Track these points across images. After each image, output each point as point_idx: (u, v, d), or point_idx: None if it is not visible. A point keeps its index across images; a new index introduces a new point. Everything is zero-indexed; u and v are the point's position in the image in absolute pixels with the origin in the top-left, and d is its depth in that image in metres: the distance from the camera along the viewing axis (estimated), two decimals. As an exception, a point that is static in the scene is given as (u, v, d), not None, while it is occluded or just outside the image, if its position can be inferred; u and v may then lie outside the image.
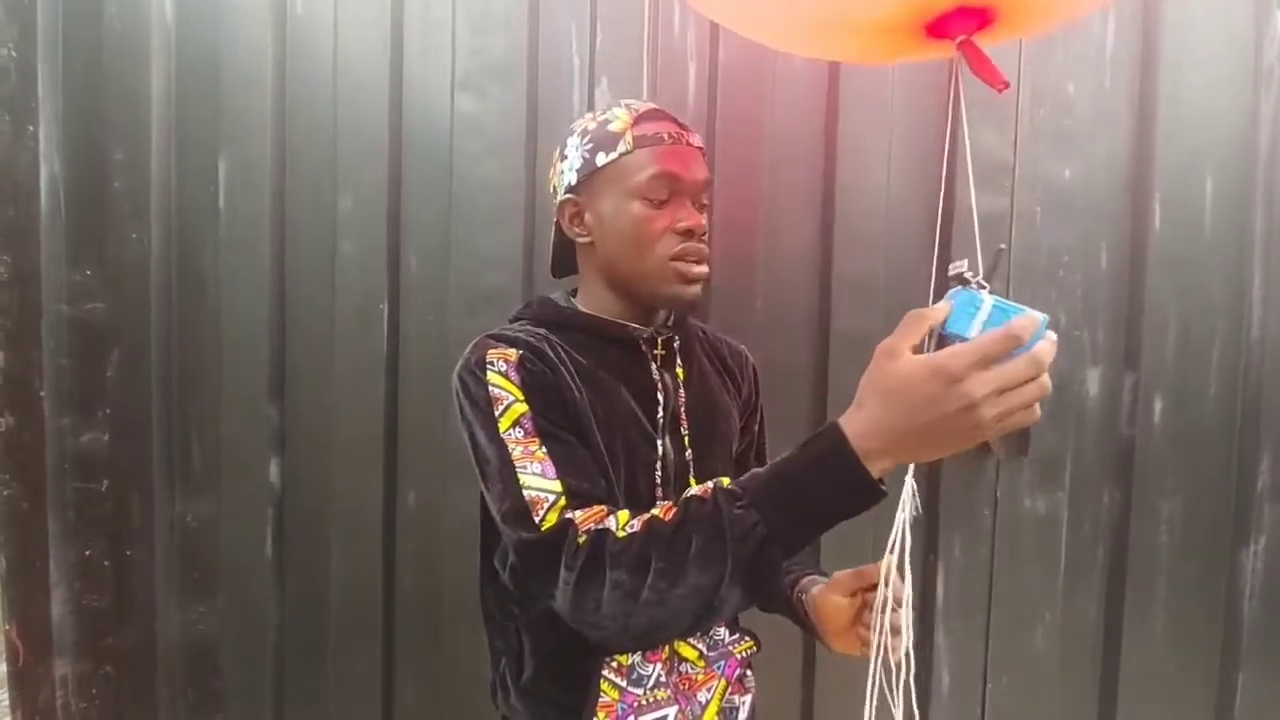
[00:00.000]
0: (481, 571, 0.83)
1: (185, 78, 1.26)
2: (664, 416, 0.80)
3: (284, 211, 1.28)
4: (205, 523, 1.29)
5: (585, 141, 0.80)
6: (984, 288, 0.60)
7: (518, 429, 0.71)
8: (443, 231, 1.27)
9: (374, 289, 1.28)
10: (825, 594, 0.79)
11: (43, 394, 1.26)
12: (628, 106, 0.80)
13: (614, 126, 0.78)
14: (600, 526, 0.65)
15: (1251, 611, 1.34)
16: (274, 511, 1.30)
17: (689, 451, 0.81)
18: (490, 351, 0.74)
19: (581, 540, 0.64)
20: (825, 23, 0.73)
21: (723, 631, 0.84)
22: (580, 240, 0.82)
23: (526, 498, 0.68)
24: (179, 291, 1.28)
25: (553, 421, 0.72)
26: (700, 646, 0.81)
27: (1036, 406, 0.55)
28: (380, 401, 1.27)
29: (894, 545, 0.65)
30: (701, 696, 0.81)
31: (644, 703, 0.76)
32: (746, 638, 0.86)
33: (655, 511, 0.65)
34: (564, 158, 0.82)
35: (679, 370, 0.83)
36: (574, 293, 0.87)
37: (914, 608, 0.73)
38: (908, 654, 0.66)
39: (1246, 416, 1.32)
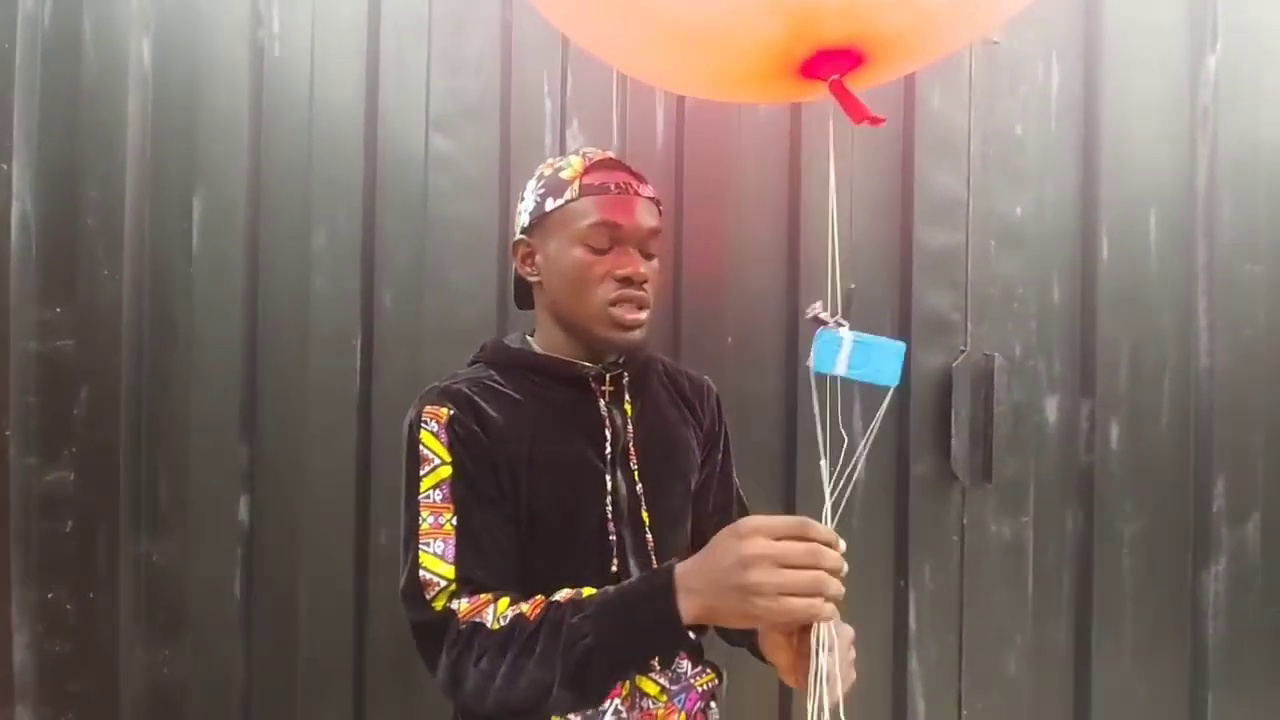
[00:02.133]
0: None
1: (161, 117, 1.28)
2: (612, 452, 0.82)
3: (257, 249, 1.29)
4: (172, 563, 1.27)
5: (540, 186, 0.84)
6: (842, 325, 0.64)
7: (437, 492, 0.76)
8: (416, 268, 1.29)
9: (347, 325, 1.29)
10: (766, 631, 0.79)
11: (8, 432, 1.24)
12: (584, 155, 0.84)
13: (565, 174, 0.82)
14: (477, 620, 0.70)
15: (1216, 631, 1.37)
16: (243, 551, 1.28)
17: (639, 485, 0.83)
18: (426, 409, 0.78)
19: (463, 629, 0.70)
20: (699, 71, 0.77)
21: (685, 665, 0.85)
22: (531, 279, 0.86)
23: (421, 578, 0.73)
24: (150, 329, 1.28)
25: (471, 489, 0.76)
26: (662, 681, 0.82)
27: (824, 605, 0.59)
28: (353, 439, 1.27)
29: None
30: None
31: None
32: (709, 670, 0.87)
33: (524, 608, 0.70)
34: (522, 199, 0.87)
35: (628, 406, 0.86)
36: (532, 332, 0.90)
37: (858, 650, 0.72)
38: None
39: (1200, 440, 1.37)
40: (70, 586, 1.24)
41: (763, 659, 0.84)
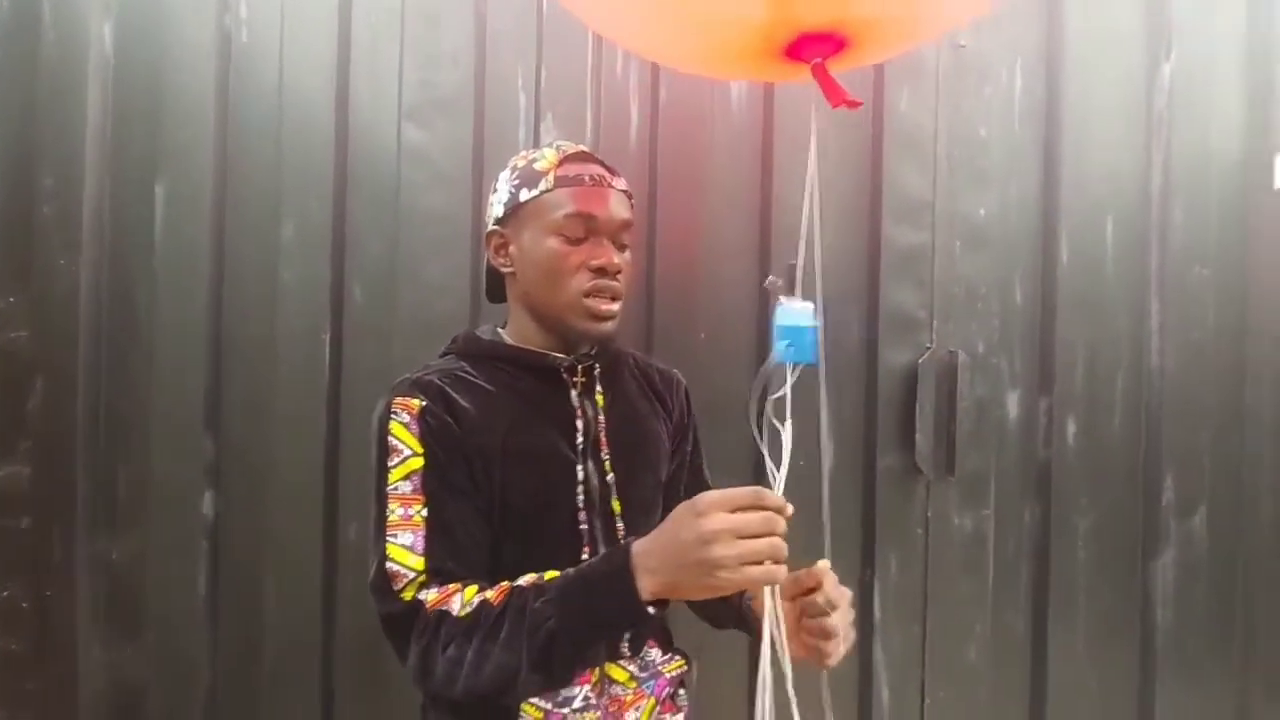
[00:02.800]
0: None
1: (123, 103, 1.24)
2: (583, 442, 0.83)
3: (223, 240, 1.26)
4: (133, 559, 1.24)
5: (514, 177, 0.85)
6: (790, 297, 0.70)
7: (407, 483, 0.76)
8: (388, 261, 1.28)
9: (316, 318, 1.27)
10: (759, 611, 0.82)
11: (-42, 427, 1.20)
12: (558, 148, 0.85)
13: (540, 165, 0.83)
14: (443, 609, 0.71)
15: (1164, 620, 1.43)
16: (207, 546, 1.26)
17: (610, 475, 0.84)
18: (396, 400, 0.78)
19: (431, 618, 0.71)
20: (687, 47, 0.79)
21: (654, 652, 0.86)
22: (504, 270, 0.86)
23: (389, 570, 0.73)
24: (109, 320, 1.24)
25: (443, 480, 0.76)
26: (631, 668, 0.83)
27: (777, 569, 0.63)
28: (321, 432, 1.26)
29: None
30: (630, 716, 0.82)
31: None
32: (678, 657, 0.89)
33: (489, 594, 0.71)
34: (495, 191, 0.87)
35: (599, 396, 0.87)
36: (504, 324, 0.91)
37: (853, 614, 0.77)
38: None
39: (1150, 437, 1.42)
40: (25, 584, 1.21)
41: (753, 634, 0.88)
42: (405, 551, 0.74)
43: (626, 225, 0.84)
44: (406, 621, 0.72)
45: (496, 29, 1.29)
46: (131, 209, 1.25)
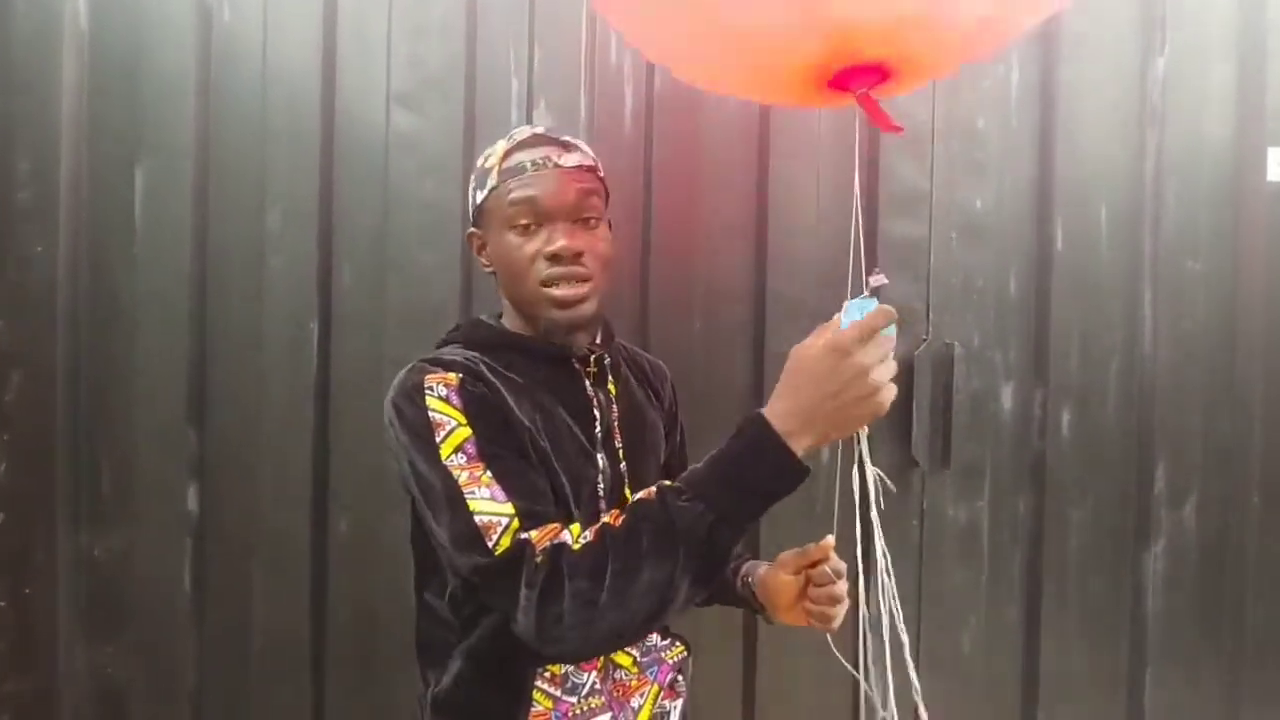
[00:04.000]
0: (418, 606, 0.84)
1: (100, 84, 1.20)
2: (600, 432, 0.83)
3: (206, 225, 1.23)
4: (116, 556, 1.21)
5: (475, 178, 0.85)
6: (875, 294, 0.70)
7: (460, 455, 0.71)
8: (378, 249, 1.25)
9: (304, 307, 1.24)
10: (773, 572, 0.85)
11: (-70, 421, 1.16)
12: (510, 138, 0.83)
13: (489, 162, 0.82)
14: (557, 542, 0.66)
15: (1155, 608, 1.44)
16: (192, 542, 1.23)
17: (623, 465, 0.84)
18: (428, 377, 0.74)
19: (540, 559, 0.65)
20: (740, 75, 0.80)
21: (654, 637, 0.86)
22: (486, 270, 0.87)
23: (478, 523, 0.68)
24: (89, 309, 1.21)
25: (496, 443, 0.72)
26: (634, 653, 0.84)
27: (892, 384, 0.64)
28: (310, 424, 1.23)
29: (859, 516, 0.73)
30: (635, 702, 0.83)
31: (578, 711, 0.78)
32: (678, 643, 0.90)
33: (605, 519, 0.67)
34: (470, 190, 0.87)
35: (611, 387, 0.86)
36: (499, 316, 0.89)
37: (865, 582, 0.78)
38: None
39: (1143, 428, 1.43)
40: (5, 582, 1.17)
41: (743, 605, 0.91)
42: (488, 502, 0.68)
43: (584, 199, 0.80)
44: (511, 569, 0.65)
45: (488, 9, 1.26)
46: (110, 194, 1.21)
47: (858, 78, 0.70)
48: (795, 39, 0.67)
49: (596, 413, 0.83)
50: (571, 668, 0.78)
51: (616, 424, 0.85)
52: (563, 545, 0.66)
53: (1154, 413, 1.43)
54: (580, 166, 0.82)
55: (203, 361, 1.23)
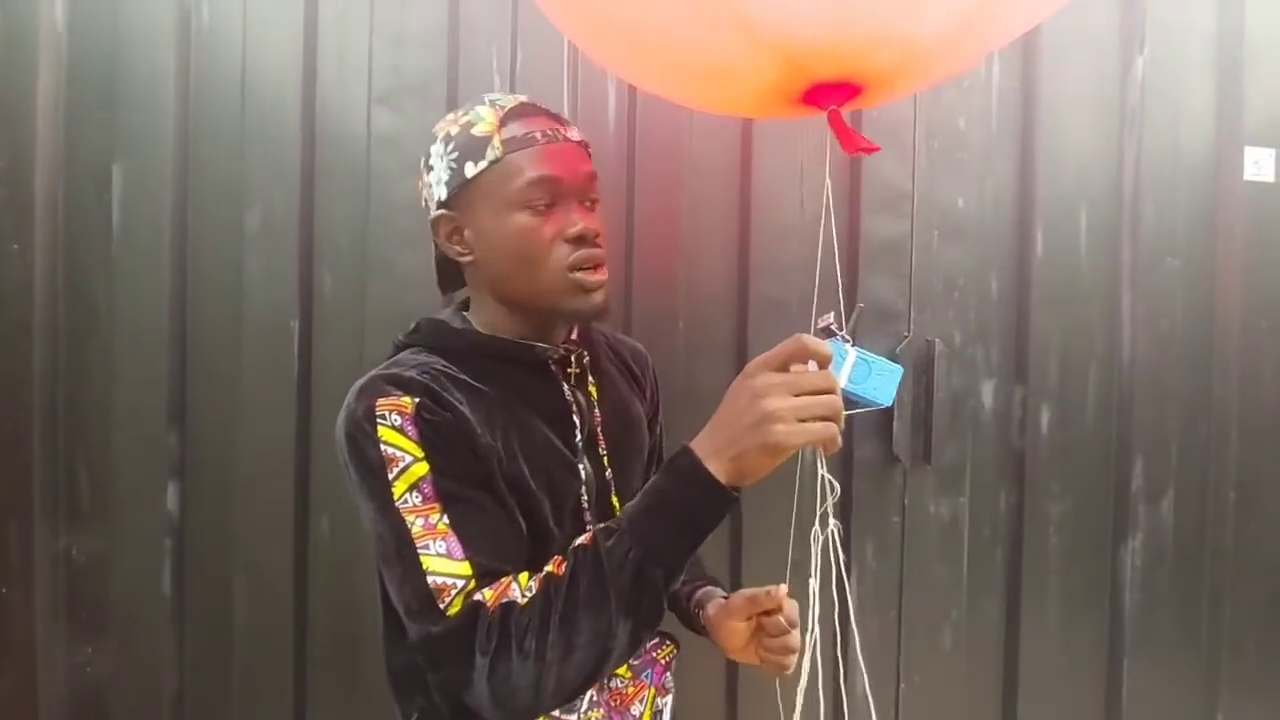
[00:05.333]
0: (386, 633, 0.76)
1: (77, 84, 1.19)
2: (582, 439, 0.77)
3: (185, 226, 1.22)
4: (94, 557, 1.20)
5: (450, 150, 0.72)
6: (848, 341, 0.67)
7: (415, 494, 0.64)
8: (359, 250, 1.24)
9: (284, 309, 1.23)
10: (722, 617, 0.82)
11: (-96, 422, 1.15)
12: (493, 104, 0.73)
13: (479, 130, 0.71)
14: (507, 601, 0.62)
15: (1132, 602, 1.46)
16: (172, 543, 1.22)
17: (609, 471, 0.79)
18: (380, 403, 0.66)
19: (491, 621, 0.61)
20: (706, 98, 0.80)
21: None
22: (463, 260, 0.76)
23: (431, 585, 0.62)
24: (66, 310, 1.20)
25: (456, 479, 0.66)
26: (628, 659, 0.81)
27: (837, 436, 0.59)
28: (291, 424, 1.23)
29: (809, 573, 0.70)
30: (635, 709, 0.80)
31: None
32: (668, 642, 0.87)
33: (549, 567, 0.63)
34: (430, 169, 0.75)
35: (591, 388, 0.81)
36: (465, 305, 0.81)
37: (827, 611, 0.78)
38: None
39: (1121, 425, 1.45)
40: (-20, 584, 1.16)
41: (694, 631, 0.89)
42: (443, 560, 0.63)
43: (593, 180, 0.74)
44: (464, 636, 0.61)
45: (470, 9, 1.25)
46: (87, 194, 1.20)
47: (829, 95, 0.68)
48: (750, 64, 0.65)
49: (577, 418, 0.77)
50: None
51: (600, 428, 0.79)
52: (511, 604, 0.61)
53: (1132, 410, 1.44)
54: (581, 142, 0.76)
55: (183, 362, 1.22)
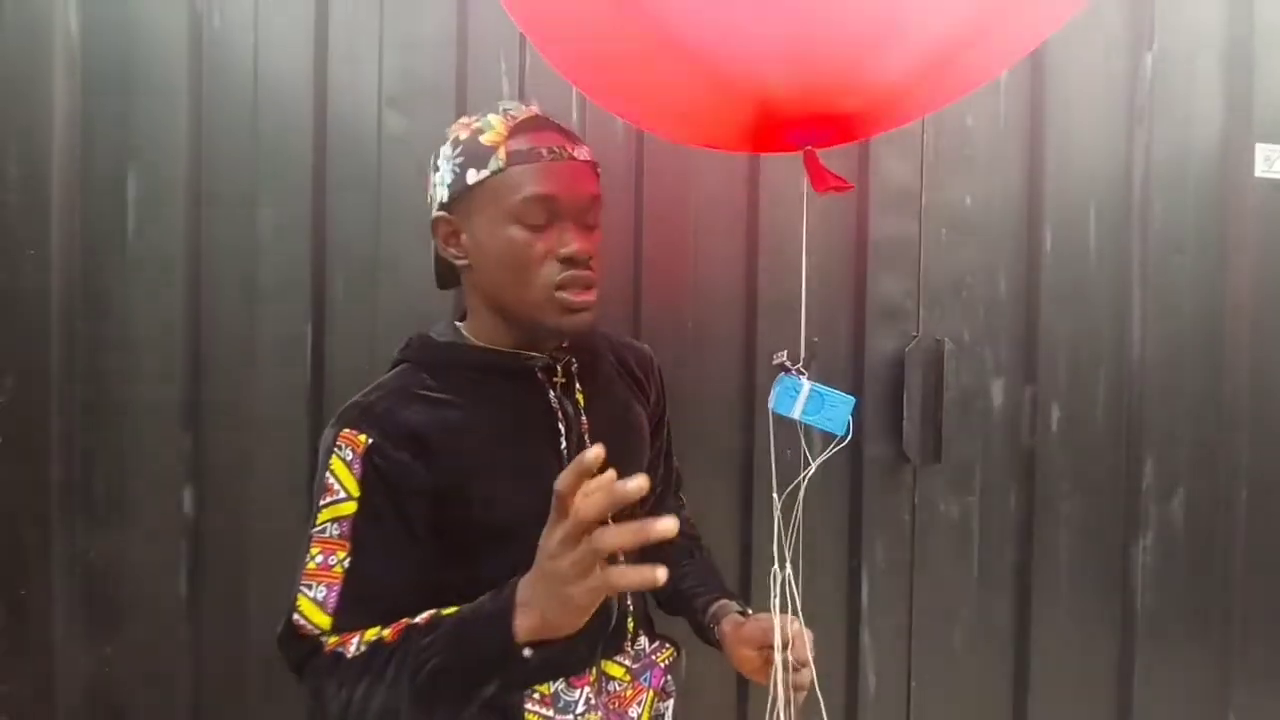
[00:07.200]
0: None
1: (91, 89, 1.20)
2: (568, 448, 0.77)
3: (199, 230, 1.23)
4: (111, 558, 1.21)
5: (457, 154, 0.73)
6: (802, 374, 0.68)
7: (335, 527, 0.69)
8: (371, 252, 1.25)
9: (297, 312, 1.24)
10: (735, 644, 0.81)
11: (-75, 425, 1.16)
12: (505, 113, 0.74)
13: (487, 138, 0.72)
14: (339, 651, 0.66)
15: (1144, 602, 1.45)
16: (187, 545, 1.23)
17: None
18: (344, 433, 0.70)
19: (323, 660, 0.66)
20: (688, 137, 0.81)
21: (644, 641, 0.85)
22: (458, 262, 0.77)
23: (295, 622, 0.69)
24: (82, 313, 1.21)
25: (380, 529, 0.69)
26: (626, 662, 0.82)
27: (643, 569, 0.53)
28: (304, 426, 1.23)
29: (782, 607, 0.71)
30: (633, 712, 0.81)
31: None
32: (667, 645, 0.87)
33: (385, 634, 0.65)
34: (436, 169, 0.76)
35: (579, 395, 0.80)
36: (461, 318, 0.82)
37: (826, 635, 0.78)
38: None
39: (1131, 424, 1.44)
40: (0, 583, 1.18)
41: (707, 642, 0.88)
42: (315, 607, 0.68)
43: (594, 201, 0.74)
44: (298, 658, 0.69)
45: (479, 12, 1.26)
46: (103, 198, 1.21)
47: (803, 136, 0.68)
48: (722, 109, 0.66)
49: (562, 425, 0.77)
50: (561, 685, 0.75)
51: (588, 434, 0.78)
52: (340, 656, 0.65)
53: (1143, 407, 1.44)
54: (589, 163, 0.76)
55: (197, 365, 1.23)
